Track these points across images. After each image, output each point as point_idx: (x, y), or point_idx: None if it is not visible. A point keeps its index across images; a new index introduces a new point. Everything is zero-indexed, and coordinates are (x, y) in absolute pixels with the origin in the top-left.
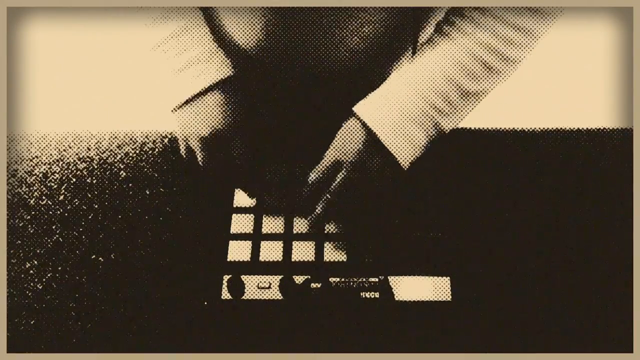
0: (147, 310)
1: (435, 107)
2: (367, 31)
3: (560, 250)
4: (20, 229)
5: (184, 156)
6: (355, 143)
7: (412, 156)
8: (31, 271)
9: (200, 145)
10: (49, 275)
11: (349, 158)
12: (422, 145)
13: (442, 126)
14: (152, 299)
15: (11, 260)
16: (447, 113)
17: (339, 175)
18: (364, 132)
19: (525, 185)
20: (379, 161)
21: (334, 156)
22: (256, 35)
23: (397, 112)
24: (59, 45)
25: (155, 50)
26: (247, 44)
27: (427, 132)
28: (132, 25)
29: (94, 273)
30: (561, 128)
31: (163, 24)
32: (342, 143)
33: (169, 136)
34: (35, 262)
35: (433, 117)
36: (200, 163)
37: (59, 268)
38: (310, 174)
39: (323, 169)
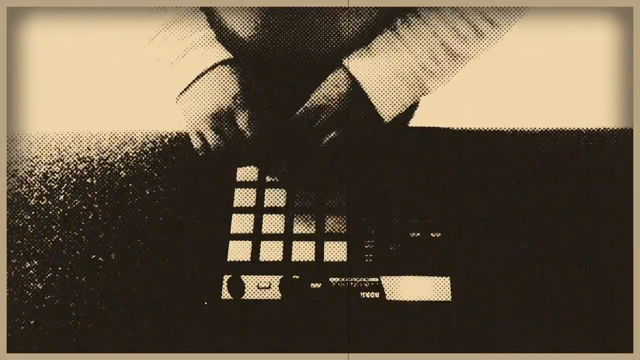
0: (147, 310)
1: (423, 65)
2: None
3: (560, 250)
4: (20, 229)
5: (195, 144)
6: (340, 91)
7: (394, 111)
8: (31, 271)
9: (208, 125)
10: (49, 275)
11: (332, 105)
12: (406, 102)
13: (427, 86)
14: (152, 299)
15: (11, 260)
16: (434, 73)
17: (320, 120)
18: (350, 82)
19: (525, 185)
20: (361, 112)
21: (318, 101)
22: (256, 33)
23: (384, 66)
24: (59, 45)
25: (152, 43)
26: (245, 40)
27: (411, 89)
28: (132, 25)
29: (94, 273)
30: (561, 128)
31: (163, 24)
32: (327, 89)
33: (169, 136)
34: (35, 262)
35: (419, 75)
36: (211, 145)
37: (59, 268)
38: (295, 114)
39: (306, 111)
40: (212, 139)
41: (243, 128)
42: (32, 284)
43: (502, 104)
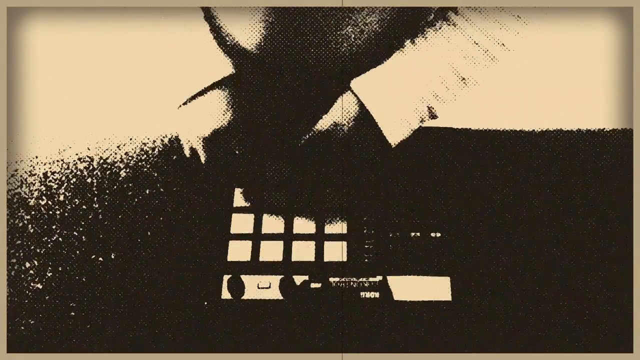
0: (147, 310)
1: (432, 91)
2: (367, 31)
3: (560, 250)
4: (20, 229)
5: (188, 156)
6: (348, 116)
7: (401, 135)
8: (31, 271)
9: (202, 144)
10: (49, 275)
11: (341, 128)
12: (413, 127)
13: (435, 110)
14: (152, 299)
15: (11, 260)
16: (442, 98)
17: (327, 142)
18: (358, 107)
19: (526, 185)
20: (369, 136)
21: (327, 124)
22: (256, 34)
23: (392, 91)
24: (59, 45)
25: (156, 51)
26: (247, 43)
27: (419, 115)
28: (132, 25)
29: (94, 273)
30: (561, 129)
31: (163, 24)
32: (335, 114)
33: (169, 136)
34: (35, 262)
35: (428, 100)
36: (202, 162)
37: (59, 268)
38: (304, 137)
39: (315, 134)
40: (204, 157)
41: (237, 153)
42: (32, 284)
43: (502, 104)
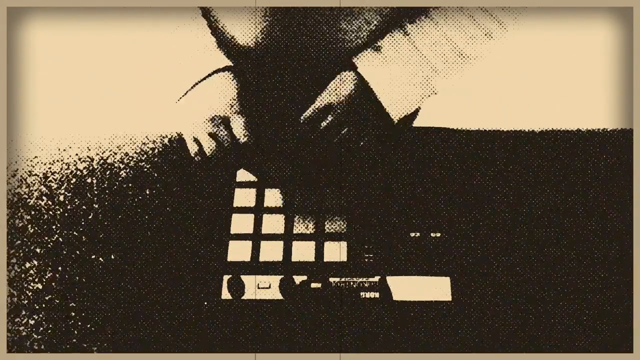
0: (147, 310)
1: (432, 66)
2: (365, 29)
3: (560, 250)
4: (20, 229)
5: (191, 150)
6: (348, 91)
7: (403, 110)
8: (31, 271)
9: (204, 131)
10: (49, 275)
11: (341, 104)
12: (415, 101)
13: (435, 86)
14: (152, 299)
15: (11, 260)
16: (443, 73)
17: (328, 118)
18: (359, 82)
19: (526, 185)
20: (370, 112)
21: (326, 101)
22: (255, 34)
23: (392, 65)
24: (59, 45)
25: (155, 51)
26: (246, 43)
27: (421, 90)
28: (132, 25)
29: (94, 273)
30: (561, 129)
31: (163, 24)
32: (335, 89)
33: (169, 136)
34: (35, 262)
35: (429, 76)
36: (206, 151)
37: (59, 268)
38: (304, 113)
39: (315, 110)
40: (208, 144)
41: (239, 135)
42: (32, 284)
43: (503, 104)
